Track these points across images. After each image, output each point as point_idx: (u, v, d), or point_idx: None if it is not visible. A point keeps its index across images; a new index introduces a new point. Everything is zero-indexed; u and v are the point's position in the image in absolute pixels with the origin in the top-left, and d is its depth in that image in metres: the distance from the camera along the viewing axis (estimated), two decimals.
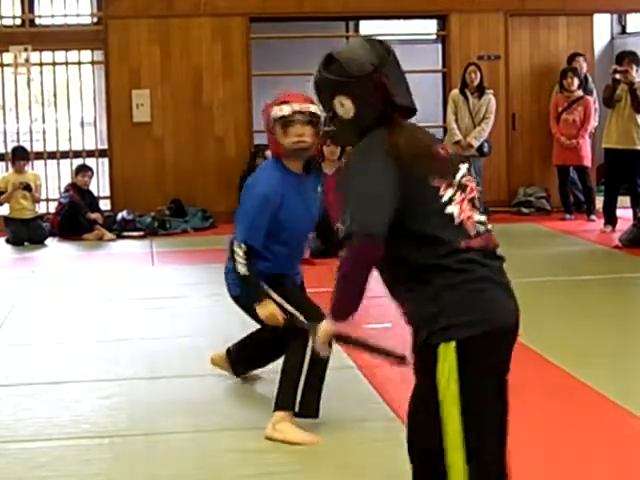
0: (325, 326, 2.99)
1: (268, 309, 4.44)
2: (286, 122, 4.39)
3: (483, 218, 2.79)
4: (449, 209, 2.71)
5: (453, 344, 2.64)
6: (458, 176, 2.77)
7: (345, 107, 2.78)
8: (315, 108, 4.33)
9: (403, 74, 2.84)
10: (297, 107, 4.38)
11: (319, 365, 4.34)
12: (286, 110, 4.38)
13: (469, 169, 2.86)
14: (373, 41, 2.83)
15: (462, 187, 2.76)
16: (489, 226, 2.81)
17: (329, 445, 4.26)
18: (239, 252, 4.48)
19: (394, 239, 2.71)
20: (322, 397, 4.60)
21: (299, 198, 4.50)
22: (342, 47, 2.88)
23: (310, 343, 4.10)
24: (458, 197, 2.73)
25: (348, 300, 2.94)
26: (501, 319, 2.74)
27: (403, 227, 2.70)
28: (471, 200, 2.77)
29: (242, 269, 4.44)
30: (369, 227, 2.70)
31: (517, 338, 2.83)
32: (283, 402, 4.39)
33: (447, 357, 2.65)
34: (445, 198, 2.70)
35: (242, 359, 5.11)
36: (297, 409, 4.37)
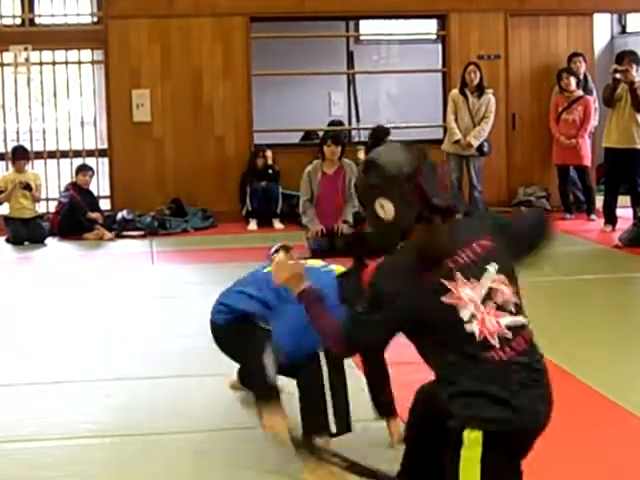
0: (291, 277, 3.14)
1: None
2: None
3: (511, 321, 2.83)
4: (469, 328, 2.78)
5: (480, 434, 2.74)
6: (485, 282, 2.82)
7: (385, 209, 2.90)
8: None
9: (438, 176, 2.99)
10: None
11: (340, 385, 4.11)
12: None
13: (500, 268, 2.87)
14: (410, 146, 3.00)
15: (489, 294, 2.81)
16: (522, 321, 2.88)
17: (330, 445, 4.25)
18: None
19: (419, 342, 2.89)
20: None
21: None
22: (380, 150, 3.04)
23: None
24: (479, 314, 2.78)
25: (308, 315, 3.08)
26: (525, 423, 2.84)
27: (426, 339, 2.86)
28: (500, 307, 2.82)
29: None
30: (355, 339, 2.89)
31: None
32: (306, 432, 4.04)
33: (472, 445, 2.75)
34: (465, 316, 2.78)
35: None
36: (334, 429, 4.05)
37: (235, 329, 4.34)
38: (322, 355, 4.04)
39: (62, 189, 11.44)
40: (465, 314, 2.78)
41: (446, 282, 2.80)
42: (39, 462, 4.20)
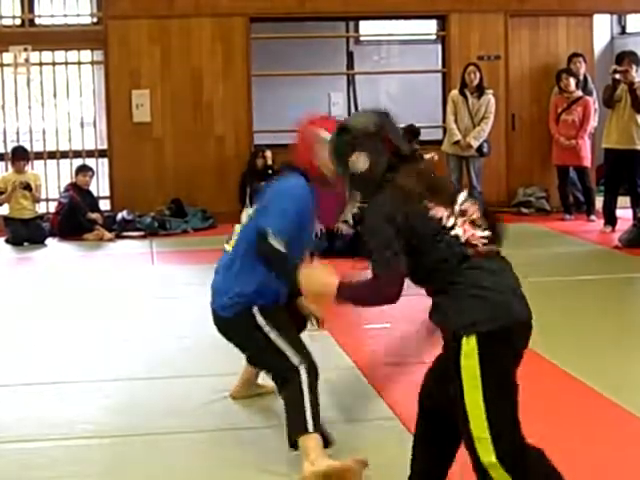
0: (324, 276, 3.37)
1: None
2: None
3: (486, 233, 3.27)
4: (453, 232, 3.21)
5: (474, 337, 3.09)
6: (457, 205, 3.27)
7: (360, 161, 3.35)
8: None
9: (399, 128, 3.46)
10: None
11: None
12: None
13: (468, 195, 3.35)
14: (369, 110, 3.52)
15: (462, 213, 3.26)
16: (489, 235, 3.29)
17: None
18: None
19: (416, 263, 3.22)
20: (321, 397, 4.61)
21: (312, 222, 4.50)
22: (349, 117, 3.60)
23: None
24: (460, 221, 3.24)
25: (353, 302, 3.40)
26: (515, 315, 3.17)
27: (419, 252, 3.21)
28: (472, 222, 3.26)
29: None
30: (389, 271, 3.20)
31: (531, 332, 3.22)
32: (296, 429, 4.13)
33: (470, 349, 3.10)
34: (449, 224, 3.22)
35: None
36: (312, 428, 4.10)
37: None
38: (303, 369, 4.15)
39: (62, 189, 11.44)
40: (449, 222, 3.21)
41: (428, 204, 3.23)
42: (38, 462, 4.20)
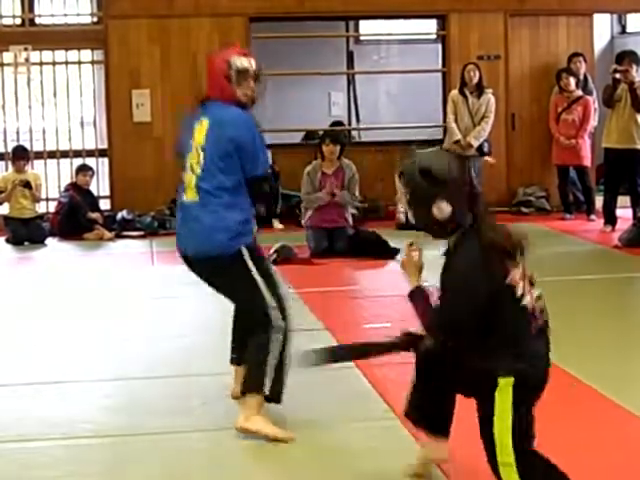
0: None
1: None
2: (246, 75, 4.66)
3: (538, 292, 3.49)
4: (524, 302, 3.39)
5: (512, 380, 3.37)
6: (522, 263, 3.41)
7: (442, 210, 3.38)
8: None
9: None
10: (255, 65, 4.73)
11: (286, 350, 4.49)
12: (250, 65, 4.69)
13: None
14: (444, 152, 3.60)
15: (524, 272, 3.40)
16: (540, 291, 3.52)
17: (329, 445, 4.26)
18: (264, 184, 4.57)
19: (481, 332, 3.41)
20: (321, 397, 4.62)
21: None
22: (431, 157, 3.46)
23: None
24: (526, 288, 3.40)
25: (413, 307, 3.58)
26: (543, 377, 3.54)
27: (488, 319, 3.38)
28: (530, 281, 3.45)
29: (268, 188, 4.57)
30: (452, 332, 3.40)
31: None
32: (252, 385, 4.45)
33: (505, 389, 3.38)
34: (519, 293, 3.38)
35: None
36: (267, 392, 4.42)
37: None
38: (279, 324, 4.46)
39: (62, 189, 11.44)
40: (519, 291, 3.36)
41: (509, 267, 3.35)
42: (38, 462, 4.20)
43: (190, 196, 4.57)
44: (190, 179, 4.57)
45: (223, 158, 4.51)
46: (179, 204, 4.70)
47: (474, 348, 3.40)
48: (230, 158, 4.50)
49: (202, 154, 4.55)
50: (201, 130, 4.60)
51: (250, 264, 4.51)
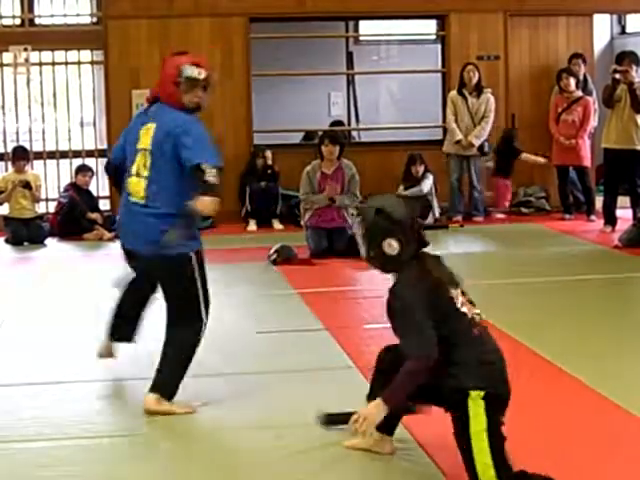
0: (372, 409, 3.80)
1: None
2: (194, 84, 4.84)
3: (477, 310, 3.84)
4: (463, 310, 3.77)
5: (482, 394, 3.65)
6: (459, 288, 3.83)
7: (392, 246, 3.80)
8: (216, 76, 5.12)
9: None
10: (204, 74, 4.88)
11: None
12: (200, 74, 4.86)
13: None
14: (402, 198, 4.21)
15: (463, 293, 3.83)
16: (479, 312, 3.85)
17: (329, 445, 4.26)
18: (213, 171, 4.63)
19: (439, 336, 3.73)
20: (322, 397, 4.64)
21: None
22: (385, 200, 3.94)
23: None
24: (465, 302, 3.80)
25: (402, 395, 3.78)
26: (504, 386, 3.77)
27: (439, 328, 3.72)
28: (469, 301, 3.83)
29: (215, 180, 4.62)
30: (423, 351, 3.69)
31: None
32: (164, 388, 4.81)
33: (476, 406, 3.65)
34: (458, 304, 3.77)
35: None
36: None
37: None
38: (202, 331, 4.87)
39: (62, 189, 11.44)
40: (458, 303, 3.78)
41: (449, 287, 3.81)
42: (38, 462, 4.20)
43: (137, 198, 4.77)
44: (137, 182, 4.77)
45: (169, 160, 4.69)
46: (124, 201, 4.89)
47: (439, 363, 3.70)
48: (175, 160, 4.69)
49: (149, 157, 4.74)
50: (147, 133, 4.78)
51: (196, 268, 4.82)
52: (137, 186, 4.76)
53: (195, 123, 4.85)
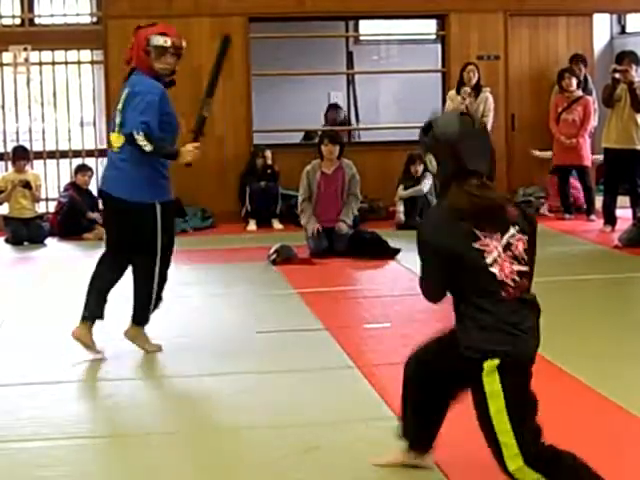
0: None
1: (192, 153, 5.69)
2: (163, 51, 5.63)
3: (524, 268, 3.50)
4: (492, 269, 3.44)
5: (497, 362, 3.43)
6: (506, 237, 3.48)
7: (432, 163, 3.62)
8: (184, 44, 5.77)
9: (487, 143, 3.63)
10: (170, 42, 5.63)
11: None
12: (166, 42, 5.62)
13: (521, 230, 3.50)
14: (466, 117, 3.66)
15: (507, 246, 3.47)
16: (527, 270, 3.52)
17: (329, 445, 4.26)
18: (140, 137, 5.41)
19: (455, 287, 3.52)
20: (322, 397, 4.62)
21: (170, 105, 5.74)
22: (440, 116, 3.79)
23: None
24: (501, 258, 3.45)
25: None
26: (524, 353, 3.54)
27: (459, 280, 3.49)
28: (514, 256, 3.48)
29: (148, 147, 5.41)
30: (427, 296, 3.63)
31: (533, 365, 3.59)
32: (141, 318, 5.87)
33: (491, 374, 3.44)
34: (489, 260, 3.44)
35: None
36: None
37: None
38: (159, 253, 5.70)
39: (61, 189, 11.44)
40: (489, 259, 3.43)
41: (477, 231, 3.43)
42: (38, 462, 4.19)
43: (114, 149, 5.65)
44: (114, 137, 5.64)
45: None
46: (108, 154, 5.86)
47: (456, 318, 3.55)
48: None
49: (119, 116, 5.58)
50: (122, 97, 5.65)
51: (158, 217, 5.57)
52: (114, 140, 5.64)
53: (152, 87, 5.58)
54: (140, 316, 5.85)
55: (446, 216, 3.49)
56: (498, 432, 3.42)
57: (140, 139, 5.37)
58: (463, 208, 3.45)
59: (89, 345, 5.73)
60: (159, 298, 5.87)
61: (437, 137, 3.58)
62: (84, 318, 5.73)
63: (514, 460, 3.40)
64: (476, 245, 3.43)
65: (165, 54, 5.60)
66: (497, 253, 3.44)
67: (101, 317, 5.79)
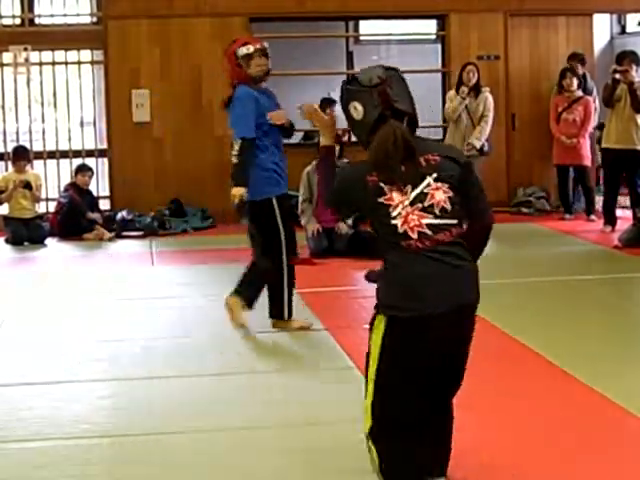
0: None
1: (237, 193, 6.34)
2: (250, 57, 6.22)
3: (438, 221, 3.40)
4: (393, 222, 3.41)
5: (385, 318, 3.44)
6: (419, 187, 3.43)
7: (357, 110, 3.68)
8: (266, 44, 6.35)
9: (407, 89, 3.75)
10: (252, 48, 6.21)
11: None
12: (249, 49, 6.20)
13: (440, 178, 3.45)
14: (383, 66, 3.79)
15: (419, 198, 3.42)
16: (448, 222, 3.41)
17: (329, 445, 4.26)
18: (235, 146, 6.18)
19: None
20: (322, 397, 4.61)
21: (270, 104, 6.41)
22: (362, 69, 3.89)
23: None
24: (405, 211, 3.41)
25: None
26: (427, 308, 3.36)
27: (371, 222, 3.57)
28: (425, 208, 3.41)
29: (234, 159, 6.19)
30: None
31: (455, 320, 3.39)
32: (245, 297, 6.31)
33: (379, 326, 3.47)
34: (394, 214, 3.42)
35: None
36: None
37: None
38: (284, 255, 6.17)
39: (62, 189, 11.44)
40: (393, 212, 3.42)
41: (385, 186, 3.44)
42: (38, 462, 4.20)
43: None
44: None
45: None
46: None
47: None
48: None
49: None
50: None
51: (277, 212, 6.18)
52: None
53: (236, 99, 6.25)
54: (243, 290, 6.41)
55: (356, 173, 3.57)
56: (368, 380, 3.48)
57: (235, 149, 6.41)
58: (373, 163, 3.49)
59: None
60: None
61: (364, 83, 3.71)
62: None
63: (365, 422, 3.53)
64: (381, 200, 3.44)
65: (252, 59, 6.24)
66: (402, 207, 3.42)
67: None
